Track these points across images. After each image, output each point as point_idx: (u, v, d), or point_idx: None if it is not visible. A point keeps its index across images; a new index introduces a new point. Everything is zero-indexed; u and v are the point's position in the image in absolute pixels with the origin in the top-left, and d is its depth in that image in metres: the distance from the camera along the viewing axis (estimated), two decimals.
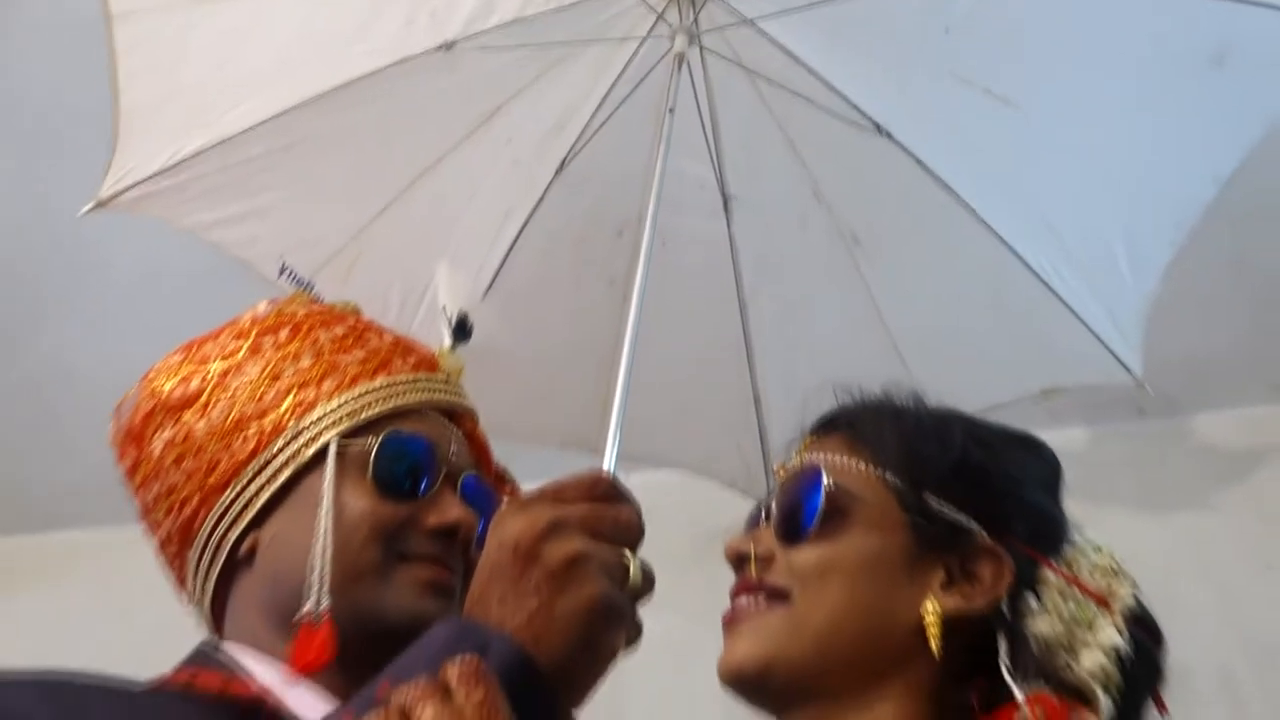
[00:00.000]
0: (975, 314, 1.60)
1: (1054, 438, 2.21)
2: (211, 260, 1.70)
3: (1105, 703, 1.05)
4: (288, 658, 1.14)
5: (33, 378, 2.82)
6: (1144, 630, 1.11)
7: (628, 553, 0.96)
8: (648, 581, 0.97)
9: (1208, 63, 1.40)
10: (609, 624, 0.94)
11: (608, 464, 1.13)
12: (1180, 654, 2.68)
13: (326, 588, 1.12)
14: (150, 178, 1.50)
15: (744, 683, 1.10)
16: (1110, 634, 1.08)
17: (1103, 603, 1.09)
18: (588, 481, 0.99)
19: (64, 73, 2.22)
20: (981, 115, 1.50)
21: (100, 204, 1.49)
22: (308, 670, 1.10)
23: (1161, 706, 1.11)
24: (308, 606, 1.12)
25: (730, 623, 1.12)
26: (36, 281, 2.63)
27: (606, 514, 0.98)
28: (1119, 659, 1.06)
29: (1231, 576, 2.63)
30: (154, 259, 2.38)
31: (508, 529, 0.95)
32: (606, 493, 0.99)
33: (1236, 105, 1.44)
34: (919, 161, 1.52)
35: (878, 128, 1.52)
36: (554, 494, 0.98)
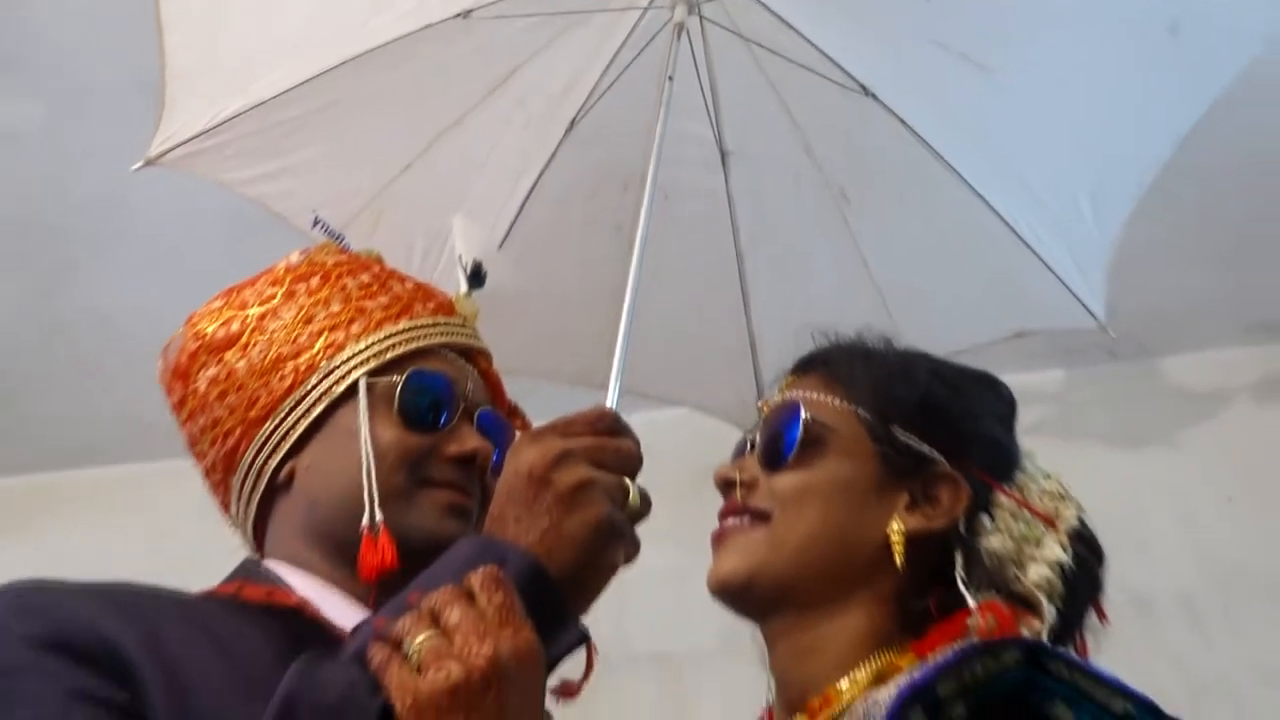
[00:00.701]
0: (953, 263, 1.72)
1: (1033, 379, 2.36)
2: (241, 211, 1.83)
3: (1049, 610, 1.15)
4: (325, 574, 1.25)
5: (70, 321, 2.96)
6: (1086, 547, 1.21)
7: (627, 480, 1.07)
8: (645, 505, 1.07)
9: (1165, 31, 1.52)
10: (611, 541, 1.04)
11: (610, 401, 1.23)
12: (1146, 579, 2.80)
13: (377, 504, 1.21)
14: (195, 138, 1.62)
15: (730, 593, 1.21)
16: (1055, 550, 1.18)
17: (1049, 523, 1.20)
18: (593, 416, 1.10)
19: (101, 30, 2.33)
20: (960, 79, 1.63)
21: (149, 162, 1.61)
22: (376, 575, 1.20)
23: (1101, 615, 1.24)
24: (364, 521, 1.22)
25: (718, 540, 1.23)
26: (72, 231, 2.76)
27: (609, 445, 1.08)
28: (1062, 572, 1.17)
29: (1195, 508, 2.80)
30: (186, 210, 2.50)
31: (523, 458, 1.05)
32: (609, 426, 1.10)
33: (1191, 71, 1.57)
34: (902, 121, 1.64)
35: (865, 90, 1.64)
36: (563, 427, 1.09)
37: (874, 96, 1.63)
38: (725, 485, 1.27)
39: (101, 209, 2.65)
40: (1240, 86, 1.62)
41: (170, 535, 2.33)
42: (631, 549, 1.08)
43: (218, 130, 1.63)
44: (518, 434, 1.36)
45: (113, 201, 2.61)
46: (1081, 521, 1.23)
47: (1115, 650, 2.75)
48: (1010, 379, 1.52)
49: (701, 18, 1.58)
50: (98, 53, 2.40)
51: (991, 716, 1.04)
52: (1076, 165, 1.64)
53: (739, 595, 1.21)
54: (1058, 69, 1.58)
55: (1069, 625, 1.20)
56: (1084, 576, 1.21)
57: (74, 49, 2.43)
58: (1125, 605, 2.61)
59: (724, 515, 1.26)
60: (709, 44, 1.64)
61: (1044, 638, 1.15)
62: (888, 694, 1.04)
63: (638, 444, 1.11)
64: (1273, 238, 2.76)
